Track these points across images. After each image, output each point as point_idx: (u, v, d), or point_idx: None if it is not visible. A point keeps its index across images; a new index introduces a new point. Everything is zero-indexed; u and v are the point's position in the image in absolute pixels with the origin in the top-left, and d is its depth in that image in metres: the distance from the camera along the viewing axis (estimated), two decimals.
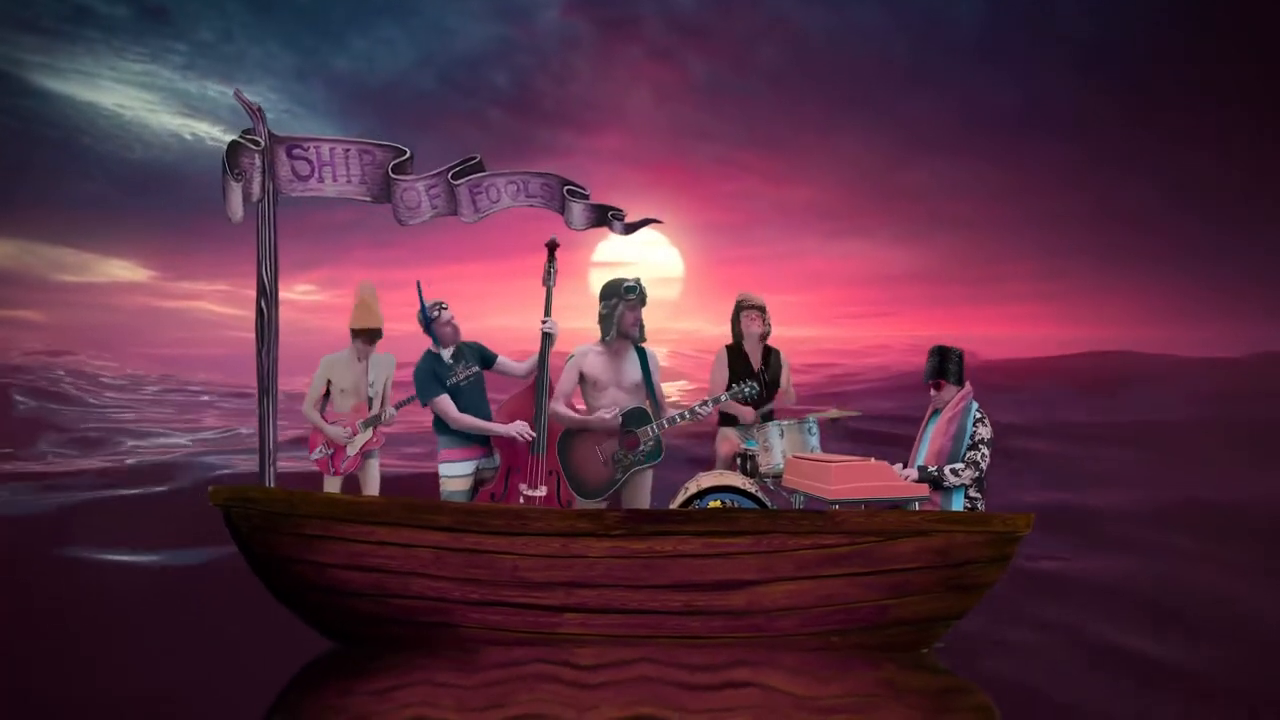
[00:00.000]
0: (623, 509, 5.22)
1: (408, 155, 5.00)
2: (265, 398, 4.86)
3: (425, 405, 5.53)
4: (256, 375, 4.88)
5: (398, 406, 6.23)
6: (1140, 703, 4.43)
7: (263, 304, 4.85)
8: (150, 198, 20.60)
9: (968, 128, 20.85)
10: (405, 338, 5.86)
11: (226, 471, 9.72)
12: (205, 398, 19.32)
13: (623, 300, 5.41)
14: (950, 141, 20.98)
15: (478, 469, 5.51)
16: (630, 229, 5.13)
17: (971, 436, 5.03)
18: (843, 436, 8.92)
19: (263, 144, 4.86)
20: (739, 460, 5.50)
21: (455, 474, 5.45)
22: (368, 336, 5.95)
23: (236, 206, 4.82)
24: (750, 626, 4.70)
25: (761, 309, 5.96)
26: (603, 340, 5.51)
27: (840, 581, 4.67)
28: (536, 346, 5.50)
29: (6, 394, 16.09)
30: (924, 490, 4.93)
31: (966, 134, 20.81)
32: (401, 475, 8.15)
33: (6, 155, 18.13)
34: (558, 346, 5.52)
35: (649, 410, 5.46)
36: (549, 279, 5.48)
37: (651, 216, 5.19)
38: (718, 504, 4.99)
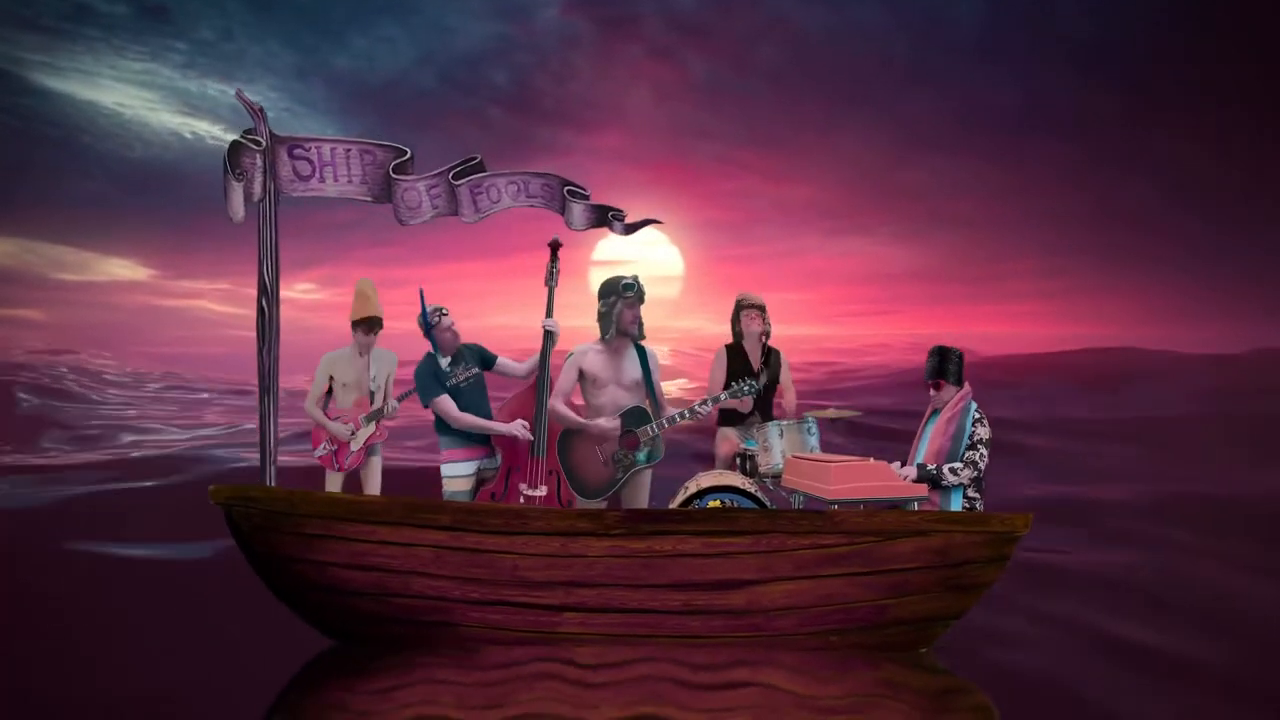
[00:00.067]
0: (622, 508, 5.23)
1: (408, 155, 5.01)
2: (266, 396, 4.86)
3: (426, 406, 5.55)
4: (257, 373, 4.89)
5: (400, 399, 6.24)
6: (1139, 693, 4.44)
7: (264, 303, 4.86)
8: (150, 196, 20.61)
9: (968, 127, 20.85)
10: (405, 336, 5.89)
11: (240, 465, 9.66)
12: (205, 395, 19.36)
13: (621, 298, 5.42)
14: (950, 140, 20.98)
15: (480, 469, 5.53)
16: (630, 229, 5.14)
17: (970, 436, 5.05)
18: (844, 431, 8.96)
19: (264, 144, 4.86)
20: (738, 460, 5.51)
21: (457, 474, 5.49)
22: (367, 326, 5.95)
23: (238, 206, 4.83)
24: (749, 626, 4.71)
25: (761, 308, 5.97)
26: (602, 338, 5.53)
27: (839, 581, 4.68)
28: (537, 345, 5.52)
29: (9, 391, 16.12)
30: (923, 490, 4.94)
31: (966, 133, 20.80)
32: (402, 469, 8.17)
33: (6, 154, 18.14)
34: (558, 345, 5.53)
35: (648, 409, 5.48)
36: (551, 279, 5.49)
37: (652, 217, 5.20)
38: (717, 504, 5.00)
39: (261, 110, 4.87)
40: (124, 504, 8.57)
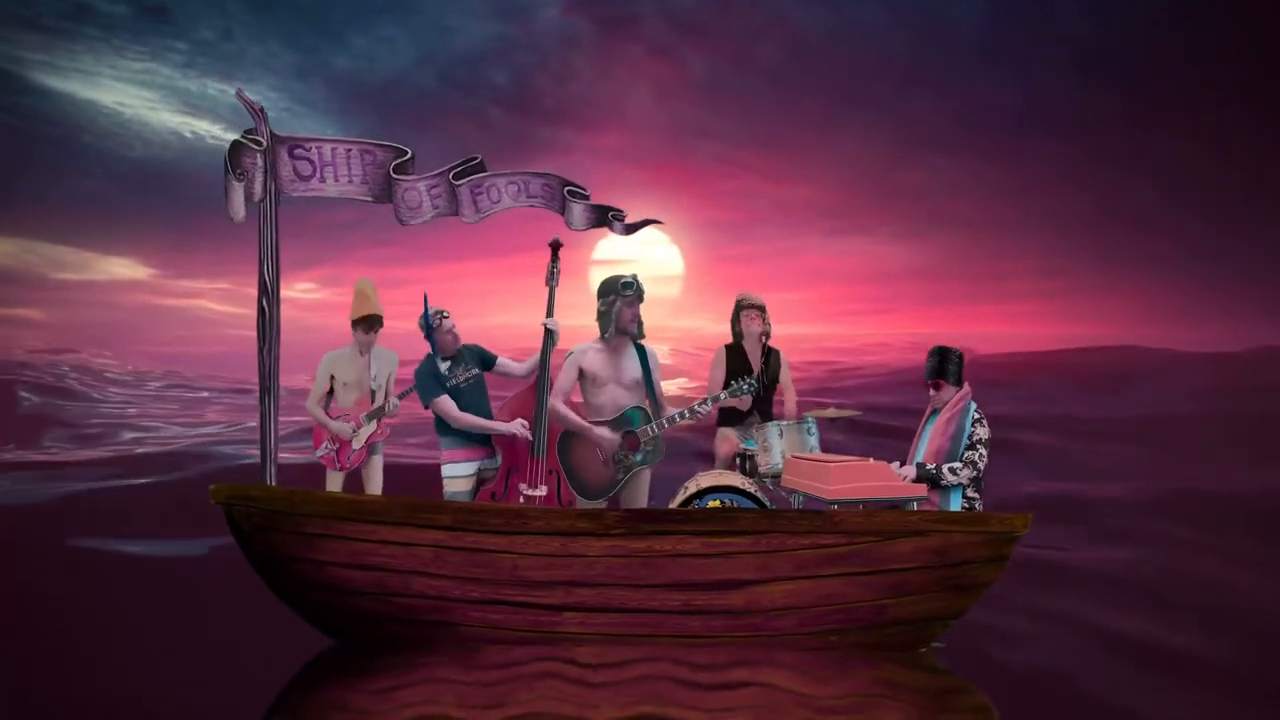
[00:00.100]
0: (622, 508, 5.24)
1: (409, 155, 5.02)
2: (266, 395, 4.87)
3: (427, 407, 5.56)
4: (258, 373, 4.89)
5: (401, 397, 6.25)
6: (1139, 690, 4.45)
7: (264, 302, 4.86)
8: (150, 196, 20.60)
9: (968, 127, 20.83)
10: (405, 336, 5.90)
11: (242, 462, 9.66)
12: (206, 394, 19.37)
13: (620, 297, 5.43)
14: (950, 140, 20.96)
15: (480, 469, 5.54)
16: (630, 229, 5.14)
17: (970, 436, 5.05)
18: (844, 431, 8.96)
19: (265, 144, 4.87)
20: (738, 460, 5.51)
21: (458, 474, 5.50)
22: (368, 324, 5.95)
23: (239, 206, 4.83)
24: (749, 626, 4.72)
25: (761, 308, 5.97)
26: (602, 337, 5.53)
27: (839, 581, 4.68)
28: (538, 344, 5.53)
29: (11, 390, 16.12)
30: (922, 490, 4.95)
31: (966, 133, 20.78)
32: (402, 466, 8.17)
33: (6, 153, 18.13)
34: (559, 345, 5.54)
35: (648, 408, 5.48)
36: (552, 279, 5.50)
37: (652, 217, 5.21)
38: (717, 504, 5.00)
39: (262, 110, 4.88)
40: (126, 500, 8.58)
